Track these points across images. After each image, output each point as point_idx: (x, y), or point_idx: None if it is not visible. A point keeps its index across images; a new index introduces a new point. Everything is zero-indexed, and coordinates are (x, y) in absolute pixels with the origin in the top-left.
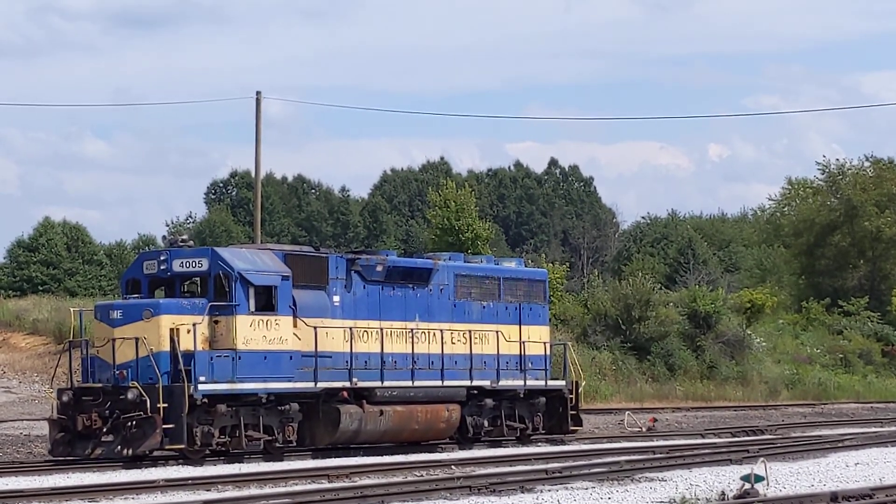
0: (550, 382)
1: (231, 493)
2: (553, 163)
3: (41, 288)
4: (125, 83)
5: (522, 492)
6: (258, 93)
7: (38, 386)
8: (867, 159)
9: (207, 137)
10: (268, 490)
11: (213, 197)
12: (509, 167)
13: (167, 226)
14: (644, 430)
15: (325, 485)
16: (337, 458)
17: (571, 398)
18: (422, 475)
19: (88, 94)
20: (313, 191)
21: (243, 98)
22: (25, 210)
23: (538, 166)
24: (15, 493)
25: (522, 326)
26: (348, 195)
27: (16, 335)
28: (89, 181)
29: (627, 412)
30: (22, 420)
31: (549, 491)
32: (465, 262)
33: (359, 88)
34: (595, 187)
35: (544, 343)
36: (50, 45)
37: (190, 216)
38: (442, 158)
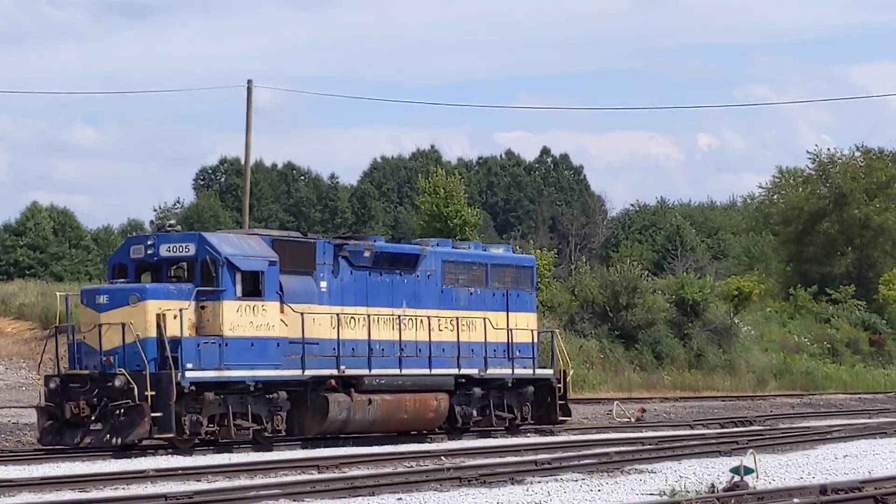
0: (538, 371)
1: (221, 483)
2: (545, 151)
3: (28, 272)
4: (114, 71)
5: (512, 483)
6: (249, 81)
7: (24, 372)
8: (857, 149)
9: (195, 125)
10: (258, 481)
11: (201, 183)
12: (500, 155)
13: (155, 211)
14: (633, 420)
15: (316, 475)
16: (327, 449)
17: (559, 387)
18: (412, 466)
19: (77, 81)
20: (302, 178)
21: (233, 87)
22: (15, 196)
23: (528, 155)
24: (4, 483)
25: (510, 313)
26: (337, 182)
27: (2, 320)
28: (77, 168)
29: (616, 402)
30: (9, 407)
31: (539, 483)
32: (452, 248)
33: (348, 78)
34: (585, 175)
35: (532, 330)
36: (39, 32)
37: (178, 202)
38: (432, 147)
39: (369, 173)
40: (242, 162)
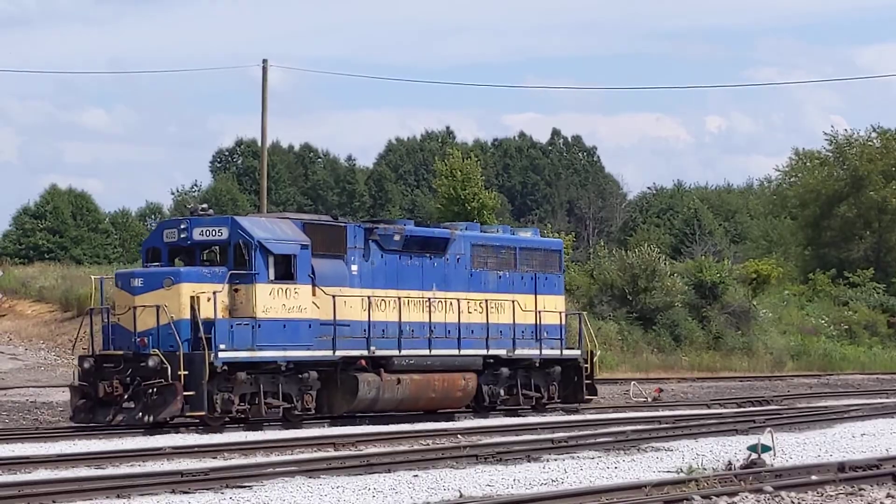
0: (565, 352)
1: (237, 460)
2: (556, 133)
3: (47, 256)
4: (120, 54)
5: (529, 461)
6: (265, 61)
7: (44, 353)
8: (874, 130)
9: (205, 108)
10: (274, 458)
11: (218, 165)
12: (515, 137)
13: (173, 194)
14: (650, 400)
15: (332, 453)
16: (344, 427)
17: (586, 367)
18: (428, 444)
19: (84, 64)
20: (320, 160)
21: (247, 66)
22: (25, 179)
23: (539, 137)
24: (21, 460)
25: (538, 296)
26: (354, 164)
27: (22, 302)
28: (87, 151)
29: (633, 382)
30: (28, 387)
31: (556, 460)
32: (481, 231)
33: (357, 61)
34: (598, 157)
35: (559, 313)
36: (44, 14)
37: (195, 185)
38: (448, 128)
39: (385, 155)
40: (259, 143)
